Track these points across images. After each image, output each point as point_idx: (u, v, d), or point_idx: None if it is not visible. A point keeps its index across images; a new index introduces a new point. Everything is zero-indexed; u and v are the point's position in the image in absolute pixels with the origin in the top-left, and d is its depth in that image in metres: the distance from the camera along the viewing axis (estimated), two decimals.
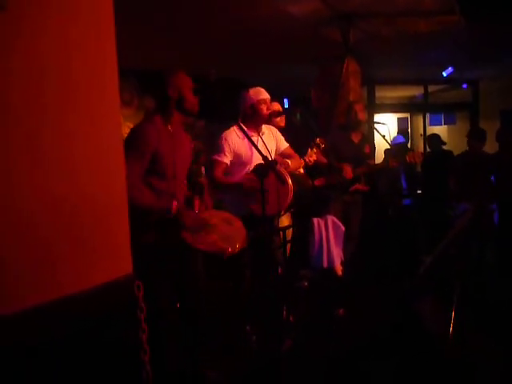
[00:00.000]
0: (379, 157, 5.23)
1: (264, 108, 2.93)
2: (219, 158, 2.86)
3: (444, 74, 6.62)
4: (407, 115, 9.79)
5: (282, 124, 3.51)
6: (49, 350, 1.04)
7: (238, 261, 2.70)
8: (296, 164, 3.06)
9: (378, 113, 7.96)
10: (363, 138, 3.97)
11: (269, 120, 3.05)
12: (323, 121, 5.42)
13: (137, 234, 1.36)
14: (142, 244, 2.00)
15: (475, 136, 4.82)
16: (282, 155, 3.07)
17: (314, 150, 3.17)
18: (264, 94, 2.97)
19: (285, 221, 3.19)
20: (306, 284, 4.05)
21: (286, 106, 6.85)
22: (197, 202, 2.31)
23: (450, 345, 2.21)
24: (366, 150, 3.96)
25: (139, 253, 1.38)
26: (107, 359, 1.21)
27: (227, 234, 2.23)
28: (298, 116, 5.20)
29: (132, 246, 1.28)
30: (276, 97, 3.22)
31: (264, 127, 3.03)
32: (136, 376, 1.38)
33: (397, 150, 5.11)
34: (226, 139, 2.88)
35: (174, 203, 2.12)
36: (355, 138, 3.90)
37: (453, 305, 2.17)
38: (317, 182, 3.42)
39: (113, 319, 1.23)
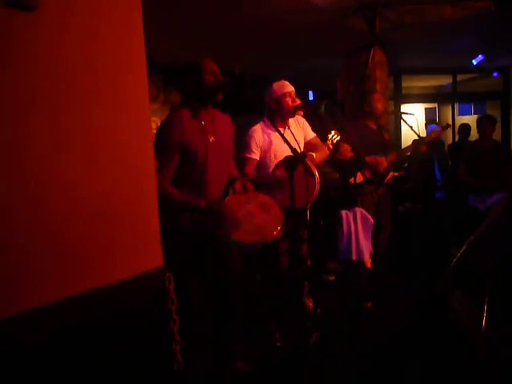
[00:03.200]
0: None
1: (289, 101, 2.91)
2: (248, 155, 2.88)
3: (474, 62, 6.44)
4: (435, 105, 9.57)
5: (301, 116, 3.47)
6: (81, 341, 1.07)
7: (274, 250, 2.70)
8: (323, 155, 3.03)
9: (405, 103, 7.82)
10: (379, 126, 3.90)
11: (294, 113, 3.03)
12: (349, 112, 5.36)
13: (171, 226, 1.37)
14: (176, 236, 2.03)
15: (485, 119, 4.69)
16: (310, 145, 3.06)
17: (329, 142, 3.13)
18: (288, 87, 2.95)
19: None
20: (333, 278, 4.04)
21: (311, 98, 6.81)
22: (238, 186, 2.31)
23: (483, 339, 2.16)
24: (386, 137, 3.90)
25: (174, 244, 1.40)
26: (139, 350, 1.23)
27: (262, 223, 2.18)
28: (323, 108, 5.16)
29: (166, 237, 1.29)
30: (301, 89, 3.19)
31: (291, 120, 3.02)
32: (167, 366, 1.40)
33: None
34: (252, 136, 2.90)
35: (202, 203, 2.15)
36: (373, 125, 3.84)
37: (485, 298, 2.12)
38: (358, 179, 3.37)
39: (144, 311, 1.25)
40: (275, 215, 2.26)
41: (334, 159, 3.24)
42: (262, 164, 2.90)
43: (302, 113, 3.37)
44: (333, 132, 3.10)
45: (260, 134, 2.90)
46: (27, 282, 0.98)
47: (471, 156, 4.64)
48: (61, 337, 1.03)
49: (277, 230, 2.15)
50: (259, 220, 2.20)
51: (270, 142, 2.89)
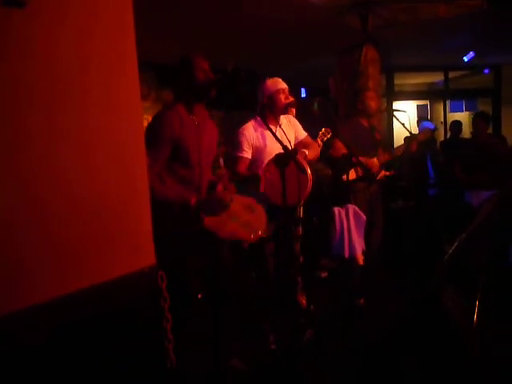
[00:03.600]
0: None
1: (282, 98, 2.90)
2: (240, 154, 2.86)
3: (465, 59, 6.47)
4: (427, 102, 9.62)
5: (293, 115, 3.48)
6: (72, 340, 1.07)
7: (261, 250, 2.70)
8: (314, 154, 3.03)
9: (397, 100, 7.85)
10: (371, 125, 3.91)
11: (286, 110, 3.03)
12: (342, 110, 5.37)
13: (161, 225, 1.37)
14: (166, 234, 2.02)
15: (477, 116, 4.73)
16: (301, 144, 3.06)
17: (319, 139, 3.14)
18: (281, 84, 2.95)
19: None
20: (326, 274, 4.05)
21: (304, 95, 6.81)
22: (220, 187, 2.32)
23: (475, 336, 2.18)
24: (377, 137, 3.92)
25: (164, 243, 1.39)
26: (131, 349, 1.23)
27: (248, 221, 2.21)
28: (316, 105, 5.15)
29: (156, 236, 1.29)
30: (293, 86, 3.19)
31: (282, 117, 3.01)
32: (160, 365, 1.40)
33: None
34: (243, 134, 2.88)
35: (193, 196, 2.14)
36: (366, 123, 3.85)
37: (477, 294, 2.14)
38: (350, 176, 3.38)
39: (137, 309, 1.25)
40: (260, 216, 2.28)
41: (327, 156, 3.25)
42: (254, 162, 2.89)
43: (294, 110, 3.37)
44: (323, 129, 3.11)
45: (251, 132, 2.89)
46: (24, 281, 0.98)
47: (465, 153, 4.66)
48: (56, 335, 1.03)
49: (262, 230, 2.17)
50: (244, 219, 2.21)
51: (262, 140, 2.88)
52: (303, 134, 3.11)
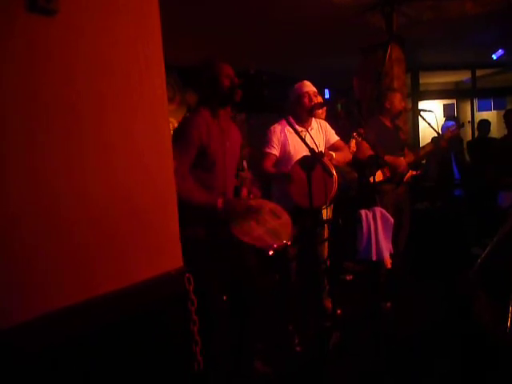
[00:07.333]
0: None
1: (306, 100, 2.97)
2: (269, 150, 2.94)
3: (494, 56, 6.32)
4: (454, 101, 9.42)
5: (323, 116, 3.48)
6: (100, 343, 1.07)
7: (285, 254, 2.70)
8: (343, 156, 3.03)
9: (423, 100, 7.71)
10: (396, 125, 3.85)
11: (312, 112, 3.03)
12: (366, 111, 5.30)
13: (187, 229, 1.37)
14: (192, 239, 2.02)
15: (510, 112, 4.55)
16: (333, 148, 3.06)
17: (354, 140, 3.13)
18: (307, 87, 3.02)
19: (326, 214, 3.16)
20: (351, 277, 4.01)
21: (327, 96, 6.78)
22: (244, 192, 2.32)
23: (507, 340, 2.12)
24: (402, 136, 3.86)
25: (190, 248, 1.40)
26: (159, 351, 1.23)
27: (274, 227, 2.20)
28: (340, 106, 5.11)
29: (182, 240, 1.29)
30: (317, 88, 3.19)
31: (314, 122, 3.06)
32: (187, 367, 1.40)
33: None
34: (274, 132, 2.96)
35: (220, 200, 2.13)
36: (388, 123, 3.79)
37: (509, 299, 2.08)
38: (377, 178, 3.34)
39: (164, 312, 1.25)
40: (286, 222, 2.26)
41: (353, 158, 3.23)
42: (280, 163, 2.93)
43: (323, 111, 3.36)
44: (360, 130, 3.10)
45: (282, 131, 2.95)
46: (45, 285, 0.98)
47: (498, 153, 4.48)
48: (82, 339, 1.03)
49: (287, 238, 2.15)
50: (271, 225, 2.21)
51: (290, 142, 2.92)
52: (335, 138, 3.14)
